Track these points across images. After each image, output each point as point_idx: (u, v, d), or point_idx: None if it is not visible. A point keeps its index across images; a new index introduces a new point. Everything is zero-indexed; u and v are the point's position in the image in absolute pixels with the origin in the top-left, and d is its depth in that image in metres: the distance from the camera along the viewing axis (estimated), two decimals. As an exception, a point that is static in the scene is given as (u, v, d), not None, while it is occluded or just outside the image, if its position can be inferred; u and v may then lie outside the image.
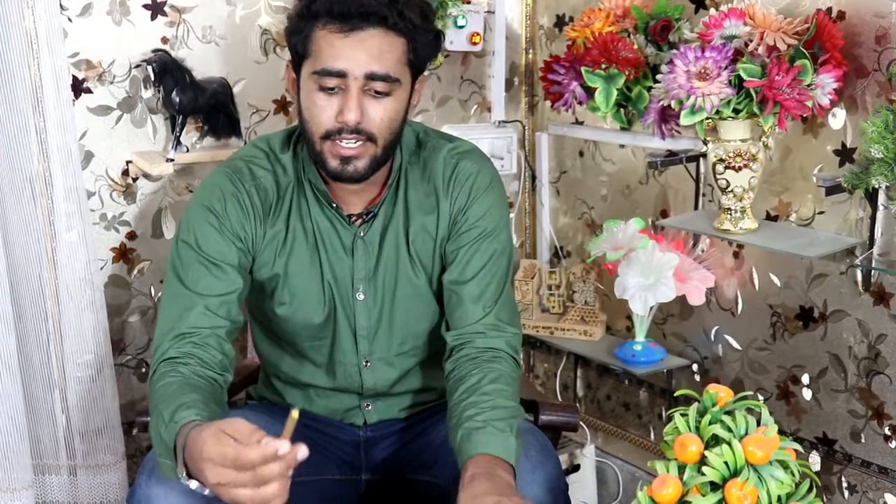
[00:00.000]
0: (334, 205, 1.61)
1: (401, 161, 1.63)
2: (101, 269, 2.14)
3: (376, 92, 1.50)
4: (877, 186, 1.76)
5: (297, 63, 1.55)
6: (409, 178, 1.63)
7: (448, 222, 1.63)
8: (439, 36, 1.61)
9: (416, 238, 1.63)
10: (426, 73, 1.62)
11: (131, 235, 2.19)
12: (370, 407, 1.73)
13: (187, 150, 2.15)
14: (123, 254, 2.19)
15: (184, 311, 1.54)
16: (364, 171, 1.53)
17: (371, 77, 1.49)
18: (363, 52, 1.48)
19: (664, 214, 2.34)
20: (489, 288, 1.60)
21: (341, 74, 1.49)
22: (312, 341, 1.67)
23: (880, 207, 1.86)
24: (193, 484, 1.28)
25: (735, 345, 2.24)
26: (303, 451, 1.20)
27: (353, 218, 1.63)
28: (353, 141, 1.51)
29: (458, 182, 1.62)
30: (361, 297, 1.64)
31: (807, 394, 2.10)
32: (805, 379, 2.10)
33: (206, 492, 1.27)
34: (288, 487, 1.22)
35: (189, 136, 2.18)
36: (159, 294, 2.25)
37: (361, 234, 1.62)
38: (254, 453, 1.19)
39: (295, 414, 1.20)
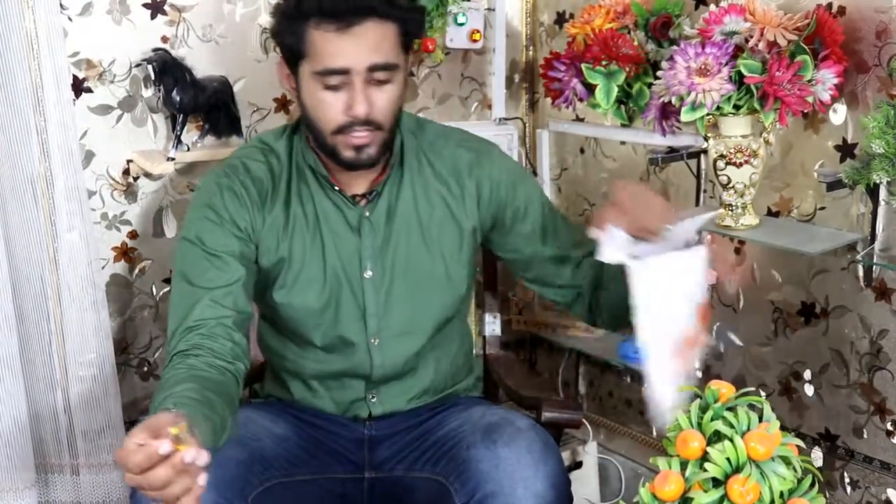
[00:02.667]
0: (337, 188, 1.64)
1: (400, 140, 1.67)
2: (103, 268, 2.14)
3: (378, 81, 1.54)
4: (878, 182, 1.76)
5: (292, 61, 1.57)
6: (418, 159, 1.67)
7: (478, 210, 1.69)
8: (423, 10, 1.67)
9: (438, 227, 1.67)
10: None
11: (132, 235, 2.19)
12: (375, 398, 1.73)
13: (188, 149, 2.15)
14: (125, 253, 2.19)
15: (190, 306, 1.56)
16: (376, 155, 1.59)
17: (373, 68, 1.53)
18: (362, 46, 1.51)
19: (665, 211, 2.34)
20: (561, 229, 1.72)
21: (344, 71, 1.52)
22: (316, 327, 1.68)
23: (881, 203, 1.86)
24: None
25: (737, 341, 2.24)
26: (201, 457, 1.16)
27: (357, 198, 1.66)
28: (364, 131, 1.55)
29: (483, 171, 1.69)
30: (369, 274, 1.66)
31: (809, 390, 2.11)
32: (807, 375, 2.10)
33: None
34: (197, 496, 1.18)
35: (190, 134, 2.18)
36: (161, 293, 2.25)
37: (367, 213, 1.65)
38: (136, 457, 1.15)
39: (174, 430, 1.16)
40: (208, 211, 1.62)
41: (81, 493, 2.08)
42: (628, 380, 2.54)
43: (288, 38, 1.55)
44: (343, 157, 1.58)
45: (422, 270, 1.67)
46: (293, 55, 1.56)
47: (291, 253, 1.65)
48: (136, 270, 2.21)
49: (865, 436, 2.01)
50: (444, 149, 1.70)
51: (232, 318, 1.56)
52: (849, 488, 2.06)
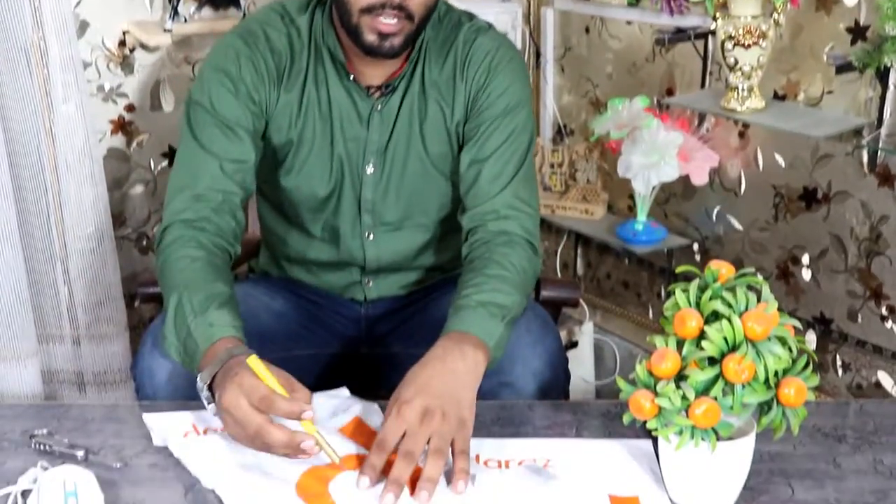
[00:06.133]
0: (352, 77, 1.58)
1: (423, 35, 1.59)
2: (100, 141, 2.12)
3: None
4: (888, 65, 1.73)
5: None
6: (430, 53, 1.60)
7: (465, 102, 1.59)
8: None
9: (430, 117, 1.60)
10: None
11: (129, 108, 2.16)
12: (371, 283, 1.73)
13: (185, 21, 2.10)
14: (122, 126, 2.16)
15: (200, 170, 1.51)
16: (399, 47, 1.50)
17: None
18: None
19: (670, 93, 2.31)
20: (507, 166, 1.56)
21: None
22: (315, 213, 1.66)
23: (891, 87, 1.83)
24: (211, 408, 1.26)
25: (736, 225, 2.24)
26: (308, 443, 1.19)
27: (371, 90, 1.59)
28: (393, 18, 1.46)
29: (476, 60, 1.58)
30: (371, 170, 1.62)
31: (806, 274, 2.11)
32: (805, 259, 2.11)
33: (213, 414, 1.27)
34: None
35: (187, 5, 2.12)
36: (159, 167, 2.24)
37: (379, 107, 1.59)
38: (278, 435, 1.18)
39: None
40: (224, 78, 1.54)
41: (83, 363, 2.11)
42: (626, 262, 2.55)
43: None
44: (365, 40, 1.48)
45: (420, 171, 1.62)
46: None
47: (302, 137, 1.59)
48: (134, 144, 2.19)
49: (860, 320, 2.03)
50: (452, 46, 1.59)
51: (240, 196, 1.53)
52: (840, 371, 2.09)
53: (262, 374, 1.21)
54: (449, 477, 1.20)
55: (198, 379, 1.28)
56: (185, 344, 1.33)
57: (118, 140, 2.17)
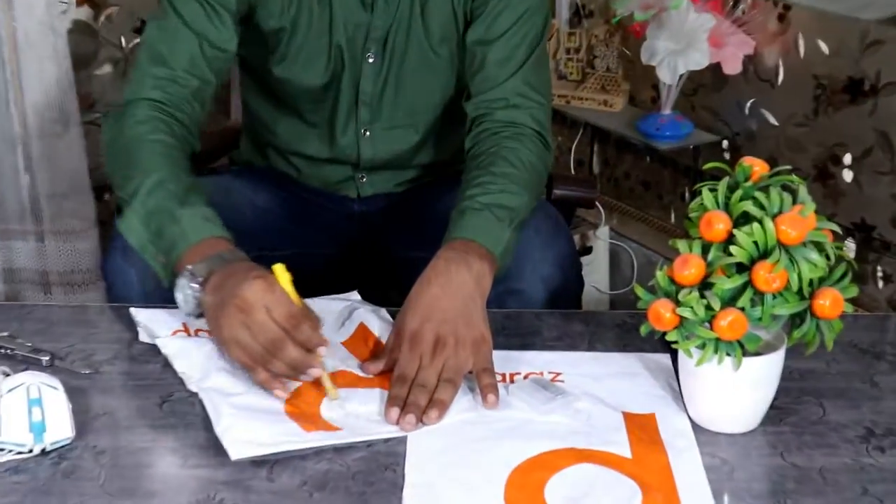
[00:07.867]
0: None
1: None
2: (64, 13, 2.09)
3: None
4: (951, -61, 1.69)
5: None
6: None
7: None
8: None
9: (440, 13, 1.57)
10: None
11: (96, -24, 2.13)
12: (364, 179, 1.72)
13: None
14: (88, -4, 2.14)
15: (178, 44, 1.48)
16: None
17: None
18: None
19: (703, -31, 2.27)
20: (518, 50, 1.54)
21: None
22: (312, 104, 1.65)
23: (953, -36, 1.80)
24: (189, 304, 1.25)
25: (772, 120, 2.22)
26: (316, 371, 1.20)
27: None
28: None
29: None
30: (372, 59, 1.60)
31: (847, 175, 2.10)
32: (847, 159, 2.10)
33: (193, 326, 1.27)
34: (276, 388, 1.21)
35: None
36: (131, 45, 2.21)
37: None
38: (294, 352, 1.17)
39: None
40: None
41: (48, 261, 2.11)
42: (648, 160, 2.54)
43: None
44: None
45: (421, 61, 1.60)
46: None
47: (296, 23, 1.56)
48: (102, 18, 2.16)
49: (905, 227, 2.03)
50: None
51: (213, 87, 1.52)
52: (881, 283, 2.09)
53: (289, 287, 1.21)
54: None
55: (186, 271, 1.25)
56: (162, 228, 1.31)
57: (84, 12, 2.14)
